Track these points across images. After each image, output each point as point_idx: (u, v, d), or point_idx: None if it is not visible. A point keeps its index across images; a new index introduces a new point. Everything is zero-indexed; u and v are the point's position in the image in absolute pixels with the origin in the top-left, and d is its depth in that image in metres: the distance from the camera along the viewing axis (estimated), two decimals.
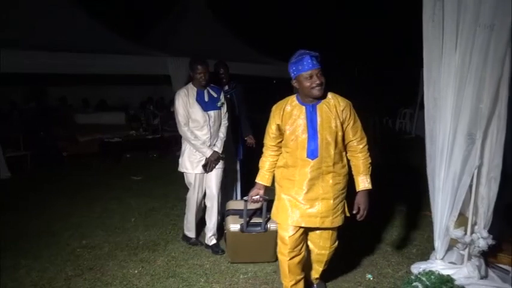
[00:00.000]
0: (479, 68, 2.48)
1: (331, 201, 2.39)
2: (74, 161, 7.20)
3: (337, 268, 2.93)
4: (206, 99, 3.34)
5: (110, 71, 7.33)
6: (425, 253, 3.20)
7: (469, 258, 2.69)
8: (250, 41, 10.25)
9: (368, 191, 2.43)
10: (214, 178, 3.44)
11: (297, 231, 2.43)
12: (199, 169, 3.37)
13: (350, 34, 14.05)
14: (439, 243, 2.75)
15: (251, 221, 3.13)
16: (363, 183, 2.43)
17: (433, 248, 2.85)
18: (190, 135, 3.30)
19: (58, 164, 6.98)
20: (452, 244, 2.77)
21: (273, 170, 2.55)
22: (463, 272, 2.64)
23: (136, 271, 3.16)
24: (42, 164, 6.75)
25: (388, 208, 4.31)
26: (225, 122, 3.47)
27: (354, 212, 2.42)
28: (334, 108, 2.35)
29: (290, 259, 2.46)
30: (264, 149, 2.56)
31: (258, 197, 2.62)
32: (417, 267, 2.78)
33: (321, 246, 2.56)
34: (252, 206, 3.05)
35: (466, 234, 2.67)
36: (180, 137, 3.42)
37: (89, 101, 9.77)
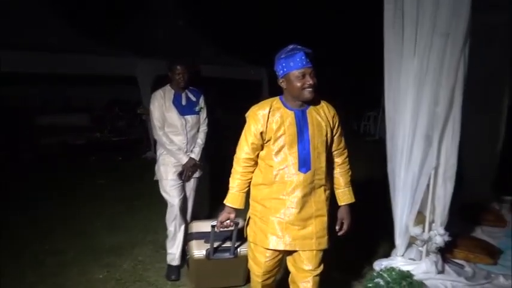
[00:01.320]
0: (436, 74, 2.61)
1: (325, 218, 2.14)
2: (35, 164, 6.96)
3: None
4: (184, 102, 3.16)
5: (73, 71, 7.12)
6: (388, 250, 3.32)
7: (427, 254, 2.82)
8: (220, 43, 10.25)
9: (350, 205, 2.27)
10: (193, 187, 3.28)
11: (276, 256, 2.18)
12: (175, 176, 3.17)
13: (317, 37, 14.27)
14: (400, 241, 2.86)
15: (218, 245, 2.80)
16: (345, 196, 2.26)
17: (394, 246, 2.97)
18: (166, 139, 3.11)
19: (18, 168, 6.72)
20: (411, 241, 2.89)
21: (247, 190, 2.17)
22: (421, 267, 2.76)
23: (101, 276, 3.11)
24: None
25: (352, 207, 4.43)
26: (204, 128, 3.28)
27: (337, 227, 2.24)
28: (324, 114, 2.12)
29: (264, 280, 2.26)
30: (235, 164, 2.14)
31: (228, 222, 2.22)
32: (379, 264, 2.88)
33: (304, 270, 2.18)
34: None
35: (424, 231, 2.80)
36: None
37: (52, 101, 9.46)
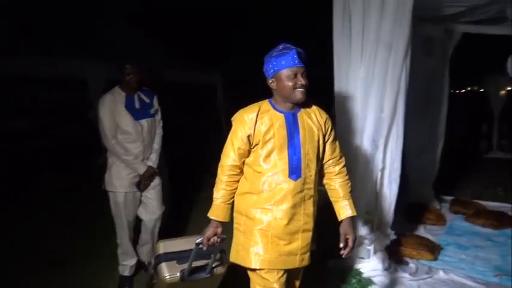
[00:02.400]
0: (381, 82, 2.79)
1: (311, 233, 1.96)
2: None
3: None
4: (137, 105, 2.89)
5: (16, 73, 6.75)
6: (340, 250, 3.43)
7: (375, 252, 2.98)
8: (173, 47, 10.12)
9: (352, 218, 2.02)
10: (154, 197, 3.02)
11: (282, 274, 1.91)
12: (130, 187, 2.89)
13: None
14: None
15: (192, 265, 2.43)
16: (346, 209, 1.99)
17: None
18: (120, 149, 2.82)
19: None
20: (361, 241, 3.04)
21: (232, 201, 1.97)
22: (369, 265, 2.91)
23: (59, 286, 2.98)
24: None
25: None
26: (159, 131, 3.03)
27: (341, 245, 1.96)
28: (316, 119, 1.96)
29: None
30: (220, 173, 1.93)
31: (215, 238, 1.96)
32: (332, 264, 3.01)
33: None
34: (188, 246, 2.35)
35: (372, 231, 2.96)
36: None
37: None
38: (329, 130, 1.98)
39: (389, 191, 2.99)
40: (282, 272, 1.89)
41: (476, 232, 3.83)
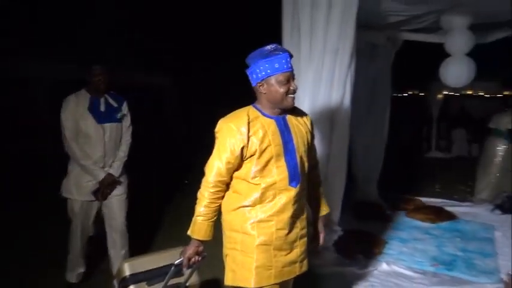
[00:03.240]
0: (328, 85, 2.94)
1: (307, 239, 1.91)
2: None
3: None
4: (102, 108, 2.76)
5: None
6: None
7: (323, 248, 3.12)
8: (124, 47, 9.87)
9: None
10: (117, 208, 2.85)
11: None
12: (88, 195, 2.74)
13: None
14: None
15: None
16: (323, 206, 2.08)
17: None
18: (79, 153, 2.67)
19: None
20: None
21: (215, 219, 1.82)
22: (318, 260, 3.04)
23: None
24: None
25: None
26: (127, 139, 2.88)
27: (321, 241, 2.06)
28: (303, 120, 1.91)
29: None
30: (203, 189, 1.79)
31: (197, 257, 1.85)
32: None
33: None
34: (158, 263, 2.16)
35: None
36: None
37: None
38: (312, 131, 1.95)
39: (336, 190, 3.14)
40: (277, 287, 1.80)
41: (415, 226, 4.11)
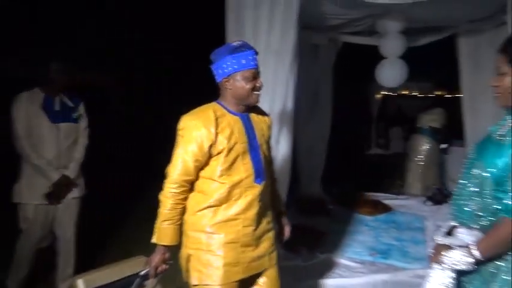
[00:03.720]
0: (271, 86, 3.01)
1: (273, 231, 1.95)
2: None
3: None
4: (57, 107, 2.68)
5: None
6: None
7: None
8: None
9: None
10: (69, 213, 2.74)
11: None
12: (42, 199, 2.60)
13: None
14: None
15: None
16: (281, 202, 2.20)
17: None
18: (32, 152, 2.56)
19: None
20: None
21: (180, 222, 1.79)
22: None
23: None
24: None
25: None
26: (83, 140, 2.80)
27: (286, 235, 2.18)
28: (263, 118, 1.95)
29: None
30: (168, 191, 1.73)
31: (164, 266, 1.78)
32: None
33: None
34: (116, 275, 2.01)
35: None
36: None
37: None
38: (271, 128, 1.98)
39: (281, 186, 3.23)
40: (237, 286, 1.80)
41: (355, 219, 4.33)
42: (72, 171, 2.71)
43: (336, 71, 4.93)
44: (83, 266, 2.66)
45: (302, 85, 4.15)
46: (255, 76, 1.76)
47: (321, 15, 3.79)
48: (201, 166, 1.74)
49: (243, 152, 1.76)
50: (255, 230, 1.81)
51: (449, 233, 1.49)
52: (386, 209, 4.58)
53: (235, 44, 1.75)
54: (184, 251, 1.82)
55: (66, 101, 2.74)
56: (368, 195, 5.08)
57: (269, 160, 1.97)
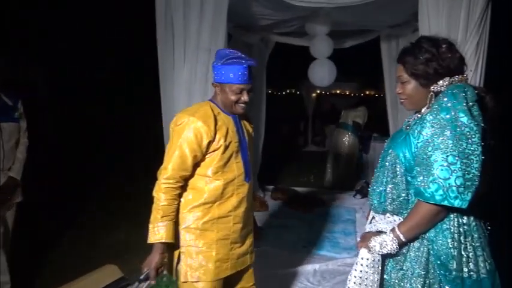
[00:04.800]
0: (203, 82, 3.03)
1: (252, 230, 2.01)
2: None
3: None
4: None
5: None
6: None
7: None
8: None
9: None
10: (10, 217, 2.59)
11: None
12: None
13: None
14: None
15: None
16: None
17: None
18: None
19: None
20: None
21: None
22: None
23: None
24: None
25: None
26: (24, 140, 2.67)
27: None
28: (247, 120, 2.00)
29: None
30: (164, 187, 1.71)
31: (163, 267, 1.73)
32: None
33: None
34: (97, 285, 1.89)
35: None
36: None
37: None
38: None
39: None
40: (221, 285, 1.84)
41: (291, 214, 4.48)
42: (17, 172, 2.58)
43: (272, 70, 5.05)
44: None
45: None
46: (242, 91, 1.77)
47: (252, 15, 3.86)
48: (196, 163, 1.75)
49: (236, 150, 1.81)
50: (243, 227, 1.86)
51: (371, 221, 1.59)
52: (320, 203, 4.78)
53: (231, 54, 1.76)
54: (178, 250, 1.82)
55: (5, 100, 2.59)
56: (303, 191, 5.27)
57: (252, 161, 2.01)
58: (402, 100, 1.53)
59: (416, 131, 1.40)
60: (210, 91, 3.07)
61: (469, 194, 1.27)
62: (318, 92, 10.72)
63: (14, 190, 2.57)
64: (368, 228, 1.57)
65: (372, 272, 1.43)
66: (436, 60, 1.40)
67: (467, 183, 1.27)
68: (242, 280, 1.99)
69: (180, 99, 3.01)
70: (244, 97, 1.78)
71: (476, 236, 1.39)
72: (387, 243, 1.40)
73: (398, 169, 1.44)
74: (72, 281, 2.02)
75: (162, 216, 1.69)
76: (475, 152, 1.28)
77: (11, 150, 2.56)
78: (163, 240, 1.67)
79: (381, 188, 1.50)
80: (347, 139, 5.52)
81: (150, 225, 1.70)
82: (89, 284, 1.84)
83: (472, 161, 1.28)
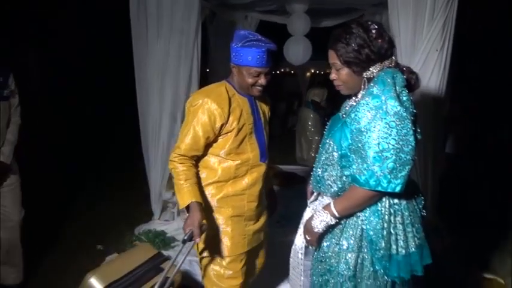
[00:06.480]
0: (176, 61, 3.10)
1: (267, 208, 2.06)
2: None
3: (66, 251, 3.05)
4: None
5: None
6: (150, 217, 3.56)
7: (178, 214, 3.35)
8: None
9: None
10: (10, 202, 2.44)
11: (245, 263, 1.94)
12: None
13: None
14: (155, 206, 3.32)
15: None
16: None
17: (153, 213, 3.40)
18: None
19: None
20: (165, 205, 3.37)
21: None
22: (173, 226, 3.27)
23: None
24: None
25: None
26: (16, 120, 2.48)
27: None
28: (265, 100, 1.99)
29: None
30: (178, 158, 1.76)
31: (205, 226, 1.71)
32: (139, 229, 3.25)
33: (258, 263, 2.12)
34: (131, 264, 1.85)
35: (174, 195, 3.29)
36: None
37: None
38: (270, 110, 2.03)
39: None
40: (245, 260, 1.90)
41: None
42: (6, 155, 2.40)
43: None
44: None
45: (217, 61, 4.26)
46: (259, 74, 1.74)
47: None
48: (209, 143, 1.79)
49: (250, 132, 1.82)
50: (258, 206, 1.90)
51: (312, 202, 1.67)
52: (300, 180, 4.88)
53: (250, 36, 1.73)
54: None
55: None
56: (285, 168, 5.36)
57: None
58: (338, 87, 1.54)
59: (350, 119, 1.44)
60: (182, 71, 3.14)
61: (402, 178, 1.33)
62: (312, 71, 10.67)
63: (4, 175, 2.43)
64: (311, 208, 1.65)
65: (300, 257, 1.63)
66: (367, 47, 1.41)
67: (399, 167, 1.32)
68: (258, 257, 2.06)
69: (154, 78, 3.08)
70: (262, 80, 1.76)
71: (406, 214, 1.46)
72: (325, 220, 1.49)
73: (335, 156, 1.49)
74: (109, 261, 2.08)
75: (186, 180, 1.72)
76: (406, 137, 1.32)
77: (1, 131, 2.39)
78: (194, 200, 1.68)
79: (319, 173, 1.56)
80: (309, 117, 5.61)
81: (177, 194, 1.73)
82: (126, 263, 1.84)
83: (403, 146, 1.32)
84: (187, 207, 1.69)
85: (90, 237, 3.42)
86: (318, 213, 1.51)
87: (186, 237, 1.63)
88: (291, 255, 1.70)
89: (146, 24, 3.01)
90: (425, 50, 2.63)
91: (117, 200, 4.32)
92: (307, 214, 1.65)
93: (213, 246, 1.85)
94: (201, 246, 1.85)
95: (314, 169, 1.61)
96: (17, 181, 2.50)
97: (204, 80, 3.43)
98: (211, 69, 4.75)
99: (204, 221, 1.69)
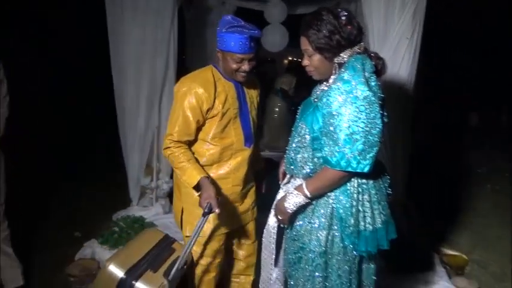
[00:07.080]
0: (152, 44, 3.10)
1: (255, 186, 2.09)
2: None
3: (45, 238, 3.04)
4: None
5: None
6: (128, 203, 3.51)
7: (157, 200, 3.38)
8: None
9: None
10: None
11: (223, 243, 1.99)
12: None
13: None
14: (133, 192, 3.33)
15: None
16: (260, 162, 2.23)
17: (130, 199, 3.39)
18: None
19: None
20: (144, 191, 3.38)
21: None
22: (152, 211, 3.30)
23: None
24: None
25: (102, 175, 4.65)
26: (3, 111, 2.32)
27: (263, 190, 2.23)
28: (254, 83, 1.99)
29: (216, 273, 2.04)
30: (172, 143, 1.80)
31: (220, 198, 1.80)
32: (117, 215, 3.26)
33: (247, 244, 2.13)
34: (145, 247, 1.88)
35: (152, 181, 3.32)
36: None
37: None
38: (260, 95, 2.04)
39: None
40: (223, 241, 1.96)
41: None
42: None
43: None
44: None
45: (196, 46, 4.25)
46: (242, 60, 1.75)
47: None
48: (199, 127, 1.82)
49: (234, 117, 1.85)
50: (242, 189, 1.95)
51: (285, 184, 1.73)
52: (275, 165, 4.93)
53: (234, 21, 1.74)
54: (178, 204, 1.95)
55: None
56: (265, 155, 5.41)
57: (257, 125, 2.04)
58: (310, 73, 1.58)
59: (322, 103, 1.48)
60: (159, 55, 3.13)
61: (370, 159, 1.41)
62: (290, 58, 10.69)
63: None
64: (283, 190, 1.71)
65: (273, 236, 1.70)
66: (338, 33, 1.45)
67: (368, 149, 1.40)
68: (246, 237, 2.10)
69: (131, 61, 3.07)
70: (245, 66, 1.77)
71: (373, 192, 1.55)
72: (298, 201, 1.55)
73: (307, 139, 1.55)
74: (122, 248, 2.07)
75: (188, 160, 1.77)
76: (374, 120, 1.40)
77: None
78: (203, 175, 1.74)
79: (292, 155, 1.62)
80: (276, 105, 5.66)
81: (184, 175, 1.76)
82: (139, 248, 1.86)
83: (371, 128, 1.39)
84: (197, 186, 1.74)
85: (71, 225, 3.40)
86: (290, 193, 1.57)
87: (206, 210, 1.68)
88: (264, 235, 1.76)
89: (121, 6, 2.98)
90: (396, 37, 2.69)
91: (97, 187, 4.30)
92: (279, 196, 1.71)
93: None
94: (186, 226, 1.92)
95: (287, 152, 1.66)
96: (2, 173, 2.36)
97: (181, 67, 3.44)
98: (188, 55, 4.72)
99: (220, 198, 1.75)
